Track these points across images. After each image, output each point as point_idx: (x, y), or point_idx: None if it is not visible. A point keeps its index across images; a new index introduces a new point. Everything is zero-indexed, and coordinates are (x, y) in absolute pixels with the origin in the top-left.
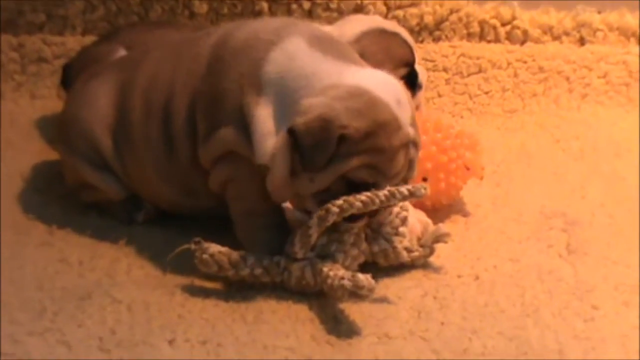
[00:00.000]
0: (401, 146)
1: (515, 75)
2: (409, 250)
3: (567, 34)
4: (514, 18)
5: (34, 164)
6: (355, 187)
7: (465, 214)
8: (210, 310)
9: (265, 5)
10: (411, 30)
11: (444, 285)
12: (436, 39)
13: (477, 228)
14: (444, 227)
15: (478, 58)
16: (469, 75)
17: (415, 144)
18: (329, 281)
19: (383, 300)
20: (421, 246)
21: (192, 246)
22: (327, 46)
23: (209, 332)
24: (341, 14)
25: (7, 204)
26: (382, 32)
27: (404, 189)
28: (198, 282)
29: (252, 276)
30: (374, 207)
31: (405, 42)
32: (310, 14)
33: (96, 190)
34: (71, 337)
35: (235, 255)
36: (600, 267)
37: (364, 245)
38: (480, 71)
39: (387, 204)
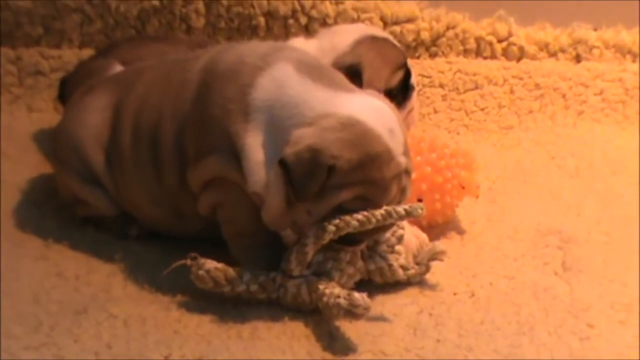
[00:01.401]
0: (394, 177)
1: (512, 91)
2: (404, 268)
3: (563, 50)
4: (510, 34)
5: (31, 177)
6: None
7: (461, 231)
8: (206, 326)
9: (262, 20)
10: (408, 46)
11: (439, 303)
12: (433, 55)
13: (472, 245)
14: (440, 244)
15: (474, 74)
16: (465, 91)
17: (407, 172)
18: (325, 299)
19: (379, 317)
20: (417, 264)
21: (188, 262)
22: (316, 72)
23: (205, 348)
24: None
25: (4, 216)
26: (374, 39)
27: (400, 208)
28: (194, 298)
29: (248, 292)
30: (370, 227)
31: (395, 45)
32: (306, 29)
33: (88, 205)
34: (67, 351)
35: (231, 271)
36: (596, 285)
37: (360, 263)
38: (476, 87)
39: (383, 224)
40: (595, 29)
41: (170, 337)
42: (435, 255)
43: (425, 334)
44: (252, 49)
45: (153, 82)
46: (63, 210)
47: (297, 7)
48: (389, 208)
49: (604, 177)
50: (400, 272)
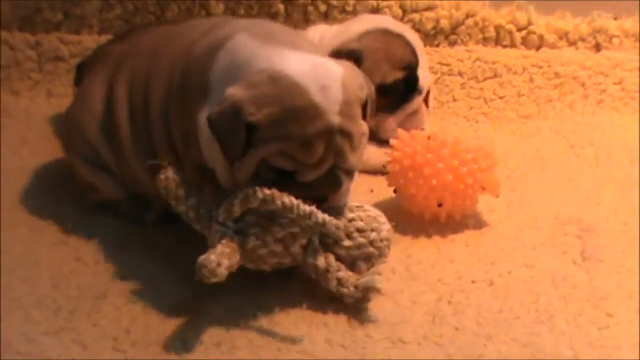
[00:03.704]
0: (318, 134)
1: (531, 80)
2: (340, 282)
3: (582, 39)
4: (529, 23)
5: (50, 161)
6: (281, 174)
7: (480, 220)
8: (225, 312)
9: (281, 7)
10: (427, 34)
11: (458, 291)
12: (452, 43)
13: (491, 233)
14: (379, 281)
15: (494, 63)
16: (484, 79)
17: (344, 133)
18: (337, 285)
19: (397, 304)
20: (355, 287)
21: (159, 161)
22: (270, 36)
23: (223, 334)
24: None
25: (22, 202)
26: (386, 32)
27: (321, 216)
28: (212, 284)
29: (186, 215)
30: (292, 216)
31: (408, 44)
32: (326, 16)
33: (99, 190)
34: (86, 336)
35: (181, 191)
36: (615, 275)
37: (297, 249)
38: (495, 76)
39: (304, 222)
40: (615, 18)
41: (188, 323)
42: (371, 289)
43: (444, 322)
44: (223, 32)
45: (146, 56)
46: (82, 196)
47: None
48: (315, 210)
49: (623, 166)
50: (334, 284)
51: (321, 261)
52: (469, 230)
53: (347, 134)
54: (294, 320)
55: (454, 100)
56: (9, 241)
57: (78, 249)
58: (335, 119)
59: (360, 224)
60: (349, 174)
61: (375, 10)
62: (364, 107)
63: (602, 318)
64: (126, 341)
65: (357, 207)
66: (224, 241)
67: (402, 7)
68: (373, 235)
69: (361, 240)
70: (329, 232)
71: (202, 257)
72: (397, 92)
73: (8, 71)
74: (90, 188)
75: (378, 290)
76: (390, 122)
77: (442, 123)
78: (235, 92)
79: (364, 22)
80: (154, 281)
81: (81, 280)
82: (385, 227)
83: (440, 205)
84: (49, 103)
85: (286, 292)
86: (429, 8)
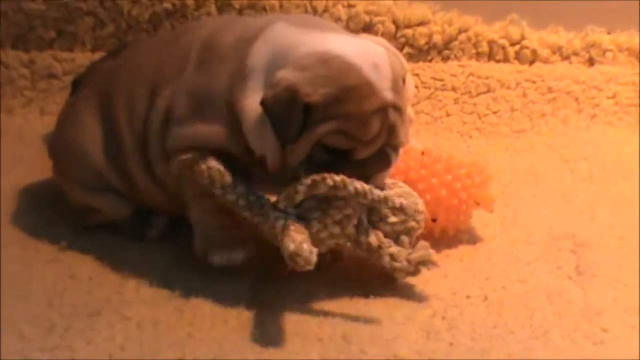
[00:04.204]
0: (375, 111)
1: (524, 95)
2: (393, 257)
3: (576, 54)
4: (522, 38)
5: (44, 179)
6: (334, 154)
7: (474, 235)
8: (219, 328)
9: None
10: (420, 50)
11: (452, 306)
12: (445, 58)
13: (485, 248)
14: (434, 254)
15: (487, 78)
16: (477, 94)
17: (396, 108)
18: (390, 261)
19: (392, 320)
20: (407, 261)
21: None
22: (310, 24)
23: (218, 350)
24: (350, 32)
25: (16, 219)
26: None
27: (401, 201)
28: (207, 300)
29: (235, 204)
30: (364, 201)
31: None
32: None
33: (101, 212)
34: (81, 353)
35: (228, 178)
36: (610, 290)
37: (350, 230)
38: (489, 91)
39: (377, 205)
40: (608, 32)
41: (183, 339)
42: (425, 262)
43: (439, 338)
44: (250, 23)
45: (146, 59)
46: (78, 213)
47: (310, 9)
48: (389, 195)
49: (617, 180)
50: (387, 259)
51: (373, 239)
52: (463, 246)
53: (399, 109)
54: (288, 336)
55: (448, 115)
56: (4, 259)
57: (72, 267)
58: (389, 95)
59: (401, 199)
60: (397, 150)
61: (368, 26)
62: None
63: (597, 333)
64: (120, 358)
65: (393, 183)
66: (293, 227)
67: (394, 22)
68: (413, 209)
69: (403, 216)
70: (407, 214)
71: (292, 248)
72: None
73: (2, 89)
74: (88, 211)
75: (433, 263)
76: None
77: (435, 138)
78: (287, 75)
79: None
80: (149, 298)
81: (75, 298)
82: (419, 200)
83: (434, 220)
84: (42, 121)
85: (279, 307)
86: (421, 23)
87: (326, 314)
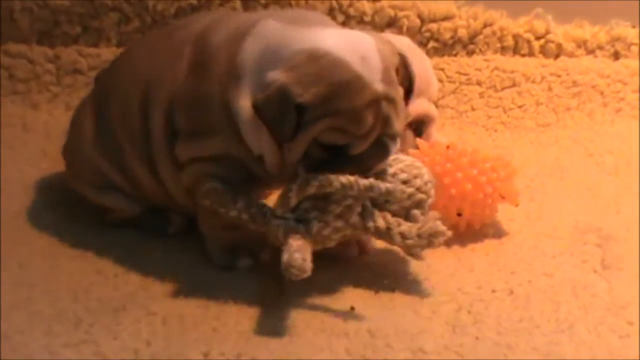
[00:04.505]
0: (367, 105)
1: (549, 89)
2: (404, 236)
3: (601, 48)
4: (547, 32)
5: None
6: (331, 150)
7: (499, 229)
8: (245, 323)
9: None
10: (445, 44)
11: (478, 300)
12: (470, 53)
13: (511, 243)
14: (441, 224)
15: (512, 72)
16: (502, 89)
17: (389, 99)
18: (402, 239)
19: (417, 314)
20: (418, 236)
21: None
22: (298, 19)
23: (244, 346)
24: (375, 26)
25: (42, 214)
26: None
27: (383, 185)
28: (232, 295)
29: (239, 219)
30: (352, 193)
31: (405, 66)
32: (343, 27)
33: (113, 211)
34: (106, 348)
35: (227, 196)
36: (635, 283)
37: (355, 218)
38: (514, 85)
39: (365, 194)
40: (633, 26)
41: (209, 334)
42: (436, 234)
43: (464, 332)
44: (242, 20)
45: (140, 57)
46: (101, 210)
47: (335, 5)
48: (374, 182)
49: None
50: (398, 239)
51: (380, 222)
52: (489, 240)
53: (391, 100)
54: (315, 331)
55: (473, 109)
56: (30, 255)
57: (98, 262)
58: (380, 87)
59: (404, 175)
60: (394, 139)
61: (393, 20)
62: (397, 72)
63: (623, 327)
64: (146, 353)
65: (394, 159)
66: (291, 236)
67: (419, 16)
68: (418, 181)
69: (409, 190)
70: (394, 198)
71: (286, 258)
72: None
73: (27, 85)
74: (102, 210)
75: (443, 233)
76: None
77: (460, 132)
78: (278, 76)
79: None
80: (174, 293)
81: (101, 293)
82: (425, 170)
83: (459, 214)
84: (67, 116)
85: (306, 302)
86: (446, 18)
87: (352, 308)
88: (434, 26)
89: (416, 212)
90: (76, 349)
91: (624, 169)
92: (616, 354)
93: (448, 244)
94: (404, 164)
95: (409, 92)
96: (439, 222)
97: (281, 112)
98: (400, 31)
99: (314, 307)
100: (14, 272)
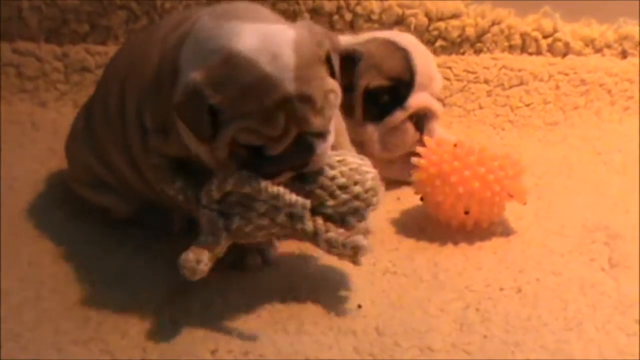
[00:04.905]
0: (276, 105)
1: (557, 87)
2: (330, 243)
3: (609, 46)
4: (555, 30)
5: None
6: (252, 150)
7: (507, 227)
8: (252, 321)
9: (307, 16)
10: (453, 42)
11: (486, 298)
12: (477, 51)
13: (519, 241)
14: (363, 239)
15: (519, 70)
16: (510, 87)
17: (303, 97)
18: (328, 247)
19: (425, 312)
20: (343, 245)
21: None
22: (228, 13)
23: (251, 343)
24: (382, 25)
25: (51, 212)
26: (390, 43)
27: (289, 197)
28: (240, 293)
29: (176, 199)
30: (261, 197)
31: (407, 60)
32: (351, 25)
33: (112, 210)
34: (115, 346)
35: (169, 174)
36: None
37: (283, 219)
38: (521, 83)
39: (273, 202)
40: None
41: (216, 332)
42: (358, 248)
43: (472, 330)
44: (192, 19)
45: (122, 55)
46: (104, 210)
47: (342, 3)
48: (283, 191)
49: None
50: (324, 245)
51: (309, 225)
52: (497, 238)
53: (306, 99)
54: (322, 329)
55: (480, 108)
56: (38, 253)
57: (105, 259)
58: (290, 86)
59: (342, 180)
60: (321, 136)
61: (401, 19)
62: (329, 63)
63: (631, 325)
64: (154, 351)
65: (339, 161)
66: (206, 231)
67: (427, 15)
68: (357, 188)
69: (345, 197)
70: (296, 212)
71: (182, 258)
72: (379, 101)
73: (35, 83)
74: (103, 209)
75: (365, 249)
76: (371, 131)
77: (468, 131)
78: (195, 76)
79: (381, 33)
80: (181, 291)
81: (108, 291)
82: (369, 176)
83: (467, 212)
84: (75, 114)
85: (314, 301)
86: (454, 16)
87: (359, 306)
88: (441, 24)
89: (351, 218)
90: (85, 346)
91: (632, 167)
92: (624, 352)
93: (456, 242)
94: (348, 167)
95: (410, 86)
96: (361, 237)
97: (196, 112)
98: (408, 29)
99: (322, 305)
100: (23, 270)
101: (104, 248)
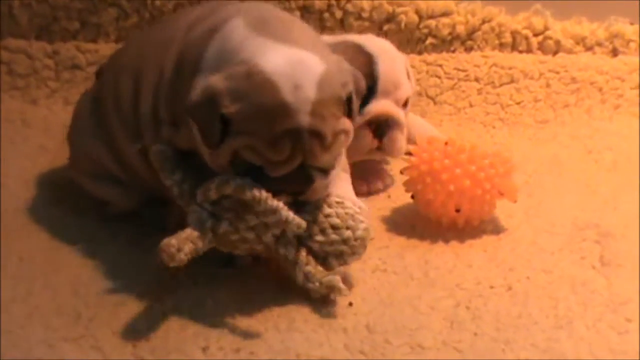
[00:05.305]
0: (285, 133)
1: (548, 85)
2: (307, 277)
3: (599, 44)
4: (546, 28)
5: (68, 169)
6: (251, 166)
7: (498, 225)
8: (244, 318)
9: (297, 14)
10: (443, 40)
11: (476, 296)
12: (468, 49)
13: (509, 239)
14: (339, 280)
15: (510, 68)
16: (501, 85)
17: (315, 133)
18: (304, 279)
19: (415, 310)
20: (320, 283)
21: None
22: (265, 26)
23: (242, 340)
24: (373, 22)
25: (41, 209)
26: (356, 47)
27: (286, 214)
28: (231, 290)
29: (170, 190)
30: (259, 209)
31: (371, 66)
32: (342, 23)
33: (113, 203)
34: (105, 343)
35: (170, 164)
36: (634, 279)
37: (269, 238)
38: (512, 81)
39: (270, 216)
40: (631, 23)
41: (207, 329)
42: (333, 289)
43: (463, 328)
44: (220, 16)
45: (135, 48)
46: (101, 204)
47: (333, 1)
48: (281, 206)
49: None
50: (301, 277)
51: (291, 253)
52: (487, 236)
53: (317, 134)
54: (313, 326)
55: (471, 106)
56: (29, 249)
57: (97, 257)
58: (305, 119)
59: (335, 220)
60: (323, 171)
61: (392, 16)
62: (349, 104)
63: (622, 323)
64: (145, 348)
65: (338, 202)
66: (193, 228)
67: (417, 12)
68: (347, 233)
69: (334, 237)
70: (291, 230)
71: (164, 241)
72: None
73: (26, 80)
74: (104, 202)
75: (339, 290)
76: None
77: (458, 129)
78: (214, 82)
79: (354, 37)
80: (173, 288)
81: (101, 288)
82: (362, 226)
83: (457, 210)
84: (66, 111)
85: (304, 298)
86: (445, 14)
87: (350, 304)
88: (432, 22)
89: (333, 260)
90: (75, 343)
91: (623, 165)
92: (615, 350)
93: (446, 240)
94: (344, 211)
95: (371, 92)
96: (338, 278)
97: (208, 117)
98: (398, 27)
99: (313, 303)
100: (14, 267)
101: (95, 245)
